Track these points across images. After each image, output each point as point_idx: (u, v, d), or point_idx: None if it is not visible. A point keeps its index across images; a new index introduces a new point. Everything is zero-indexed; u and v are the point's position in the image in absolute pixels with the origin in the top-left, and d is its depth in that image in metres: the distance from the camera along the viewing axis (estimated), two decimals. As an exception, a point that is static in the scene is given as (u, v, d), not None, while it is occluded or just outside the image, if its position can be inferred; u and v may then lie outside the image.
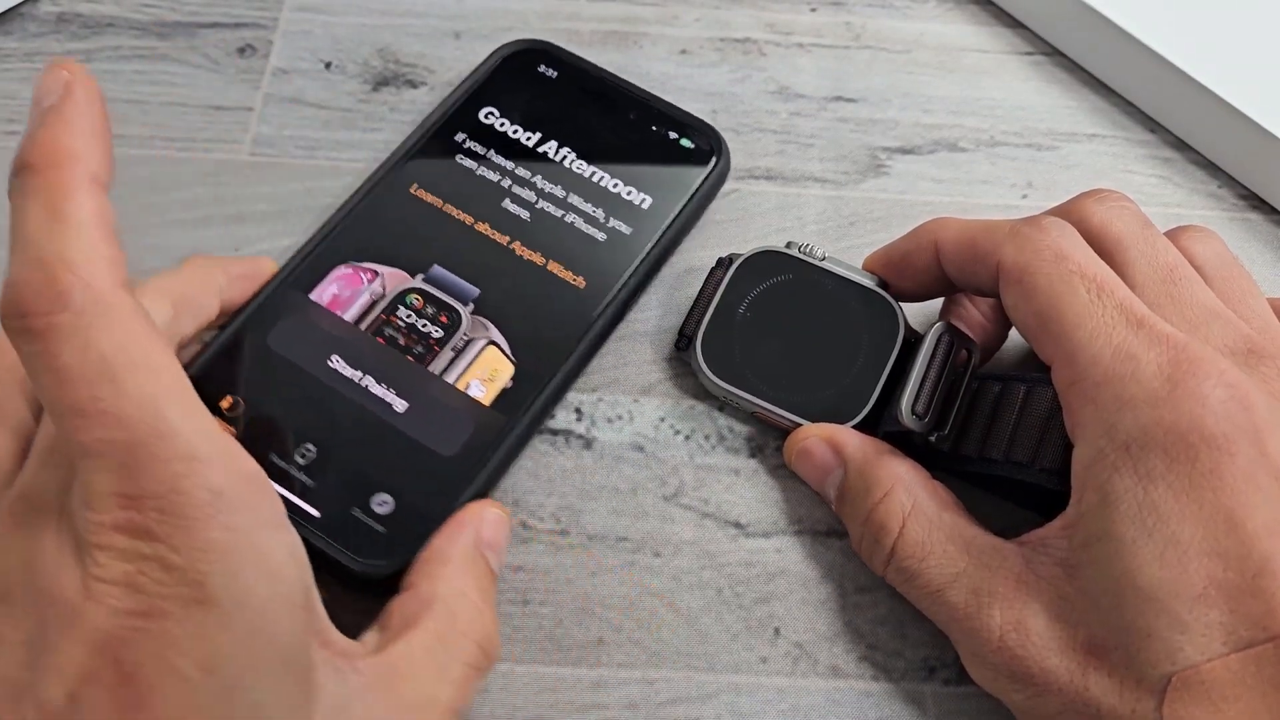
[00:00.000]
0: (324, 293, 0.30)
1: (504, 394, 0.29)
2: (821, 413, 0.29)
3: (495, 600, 0.25)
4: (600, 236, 0.31)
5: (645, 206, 0.32)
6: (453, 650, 0.23)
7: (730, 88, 0.37)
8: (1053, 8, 0.38)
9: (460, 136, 0.33)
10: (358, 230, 0.31)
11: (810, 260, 0.30)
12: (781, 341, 0.30)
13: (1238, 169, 0.35)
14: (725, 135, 0.34)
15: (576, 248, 0.31)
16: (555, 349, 0.29)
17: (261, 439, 0.27)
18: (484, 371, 0.29)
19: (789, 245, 0.31)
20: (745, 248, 0.31)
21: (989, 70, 0.38)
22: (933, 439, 0.27)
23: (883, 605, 0.28)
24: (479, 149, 0.33)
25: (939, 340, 0.28)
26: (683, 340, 0.30)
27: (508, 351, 0.29)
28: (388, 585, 0.25)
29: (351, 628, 0.23)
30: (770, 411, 0.29)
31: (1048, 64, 0.38)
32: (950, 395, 0.28)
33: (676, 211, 0.32)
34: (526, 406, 0.28)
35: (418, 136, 0.33)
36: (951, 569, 0.25)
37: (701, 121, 0.34)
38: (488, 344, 0.29)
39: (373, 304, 0.30)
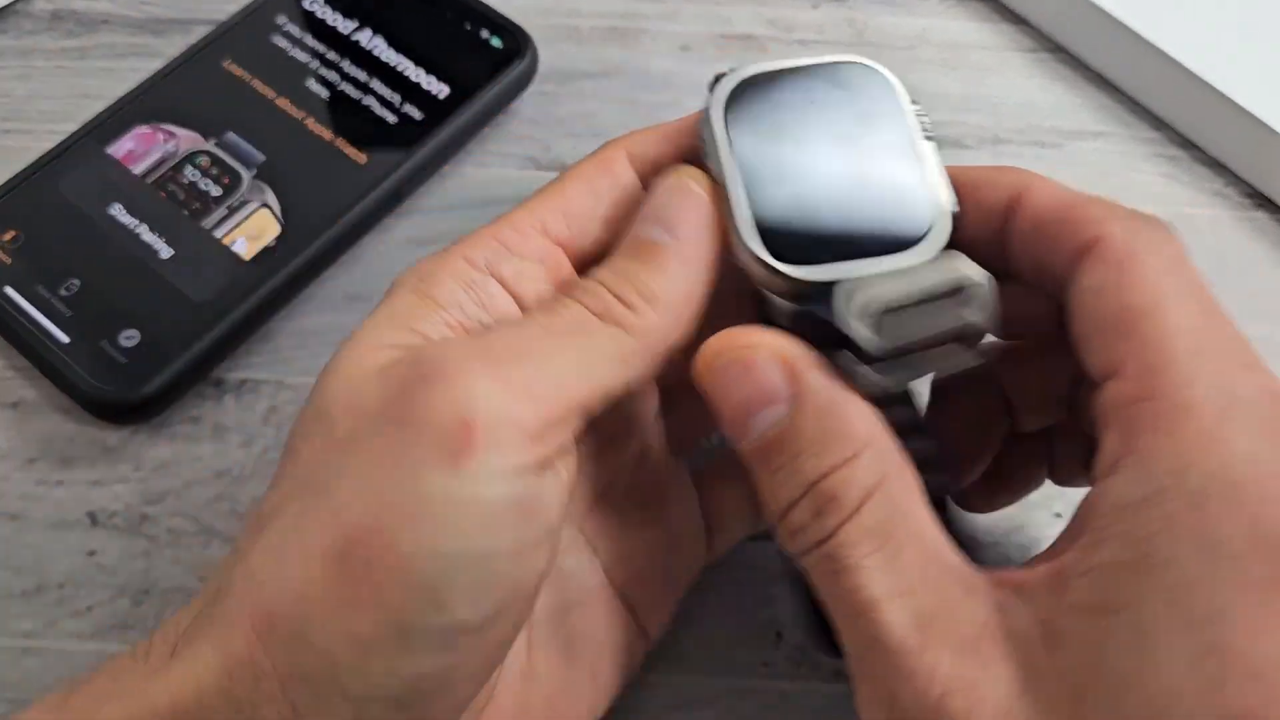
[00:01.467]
0: (121, 147, 0.33)
1: (265, 252, 0.31)
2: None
3: None
4: (391, 119, 0.34)
5: (442, 96, 0.34)
6: None
7: (731, 85, 0.37)
8: (1057, 4, 0.37)
9: (281, 19, 0.36)
10: (164, 94, 0.34)
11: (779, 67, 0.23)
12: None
13: (1244, 167, 0.35)
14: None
15: (365, 127, 0.33)
16: (322, 216, 0.32)
17: (31, 270, 0.31)
18: (251, 230, 0.31)
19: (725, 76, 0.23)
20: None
21: (992, 67, 0.38)
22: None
23: (886, 609, 0.28)
24: (296, 32, 0.35)
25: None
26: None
27: (278, 214, 0.32)
28: (119, 410, 0.29)
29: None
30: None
31: (1052, 61, 0.38)
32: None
33: (470, 103, 0.34)
34: (283, 265, 0.31)
35: (241, 17, 0.36)
36: (901, 581, 0.18)
37: (514, 24, 0.35)
38: (261, 206, 0.32)
39: (163, 161, 0.33)
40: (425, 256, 0.22)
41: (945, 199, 0.21)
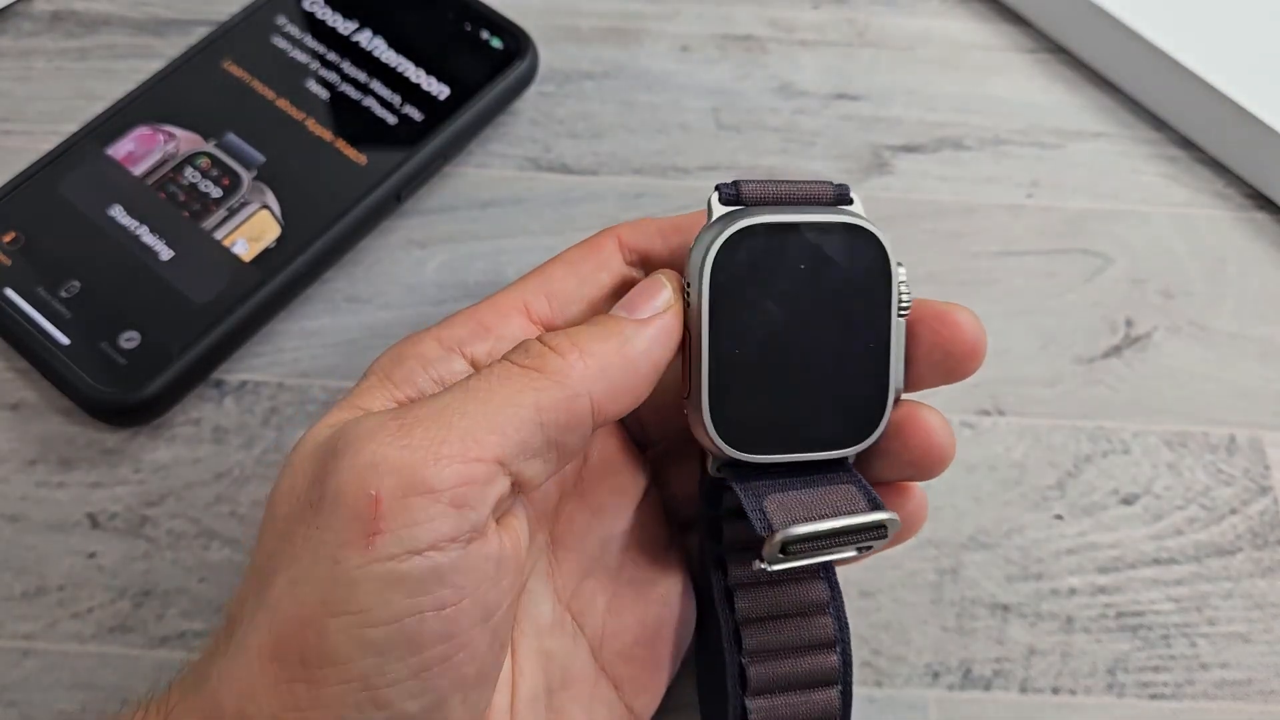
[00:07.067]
0: (121, 149, 0.33)
1: (265, 253, 0.31)
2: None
3: None
4: (391, 120, 0.34)
5: (442, 97, 0.34)
6: None
7: (732, 85, 0.37)
8: (1057, 4, 0.37)
9: (281, 20, 0.36)
10: (164, 95, 0.34)
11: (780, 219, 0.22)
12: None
13: (1244, 168, 0.35)
14: (726, 133, 0.33)
15: (365, 129, 0.34)
16: (322, 217, 0.32)
17: (32, 271, 0.31)
18: (252, 231, 0.31)
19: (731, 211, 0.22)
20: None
21: (993, 68, 0.38)
22: None
23: (886, 610, 0.28)
24: (296, 33, 0.35)
25: None
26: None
27: (278, 215, 0.32)
28: (119, 412, 0.29)
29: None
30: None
31: (1053, 61, 0.38)
32: None
33: (470, 104, 0.34)
34: (283, 266, 0.31)
35: (241, 18, 0.36)
36: None
37: (514, 25, 0.35)
38: (261, 208, 0.32)
39: (164, 162, 0.33)
40: (408, 335, 0.22)
41: (892, 387, 0.22)
